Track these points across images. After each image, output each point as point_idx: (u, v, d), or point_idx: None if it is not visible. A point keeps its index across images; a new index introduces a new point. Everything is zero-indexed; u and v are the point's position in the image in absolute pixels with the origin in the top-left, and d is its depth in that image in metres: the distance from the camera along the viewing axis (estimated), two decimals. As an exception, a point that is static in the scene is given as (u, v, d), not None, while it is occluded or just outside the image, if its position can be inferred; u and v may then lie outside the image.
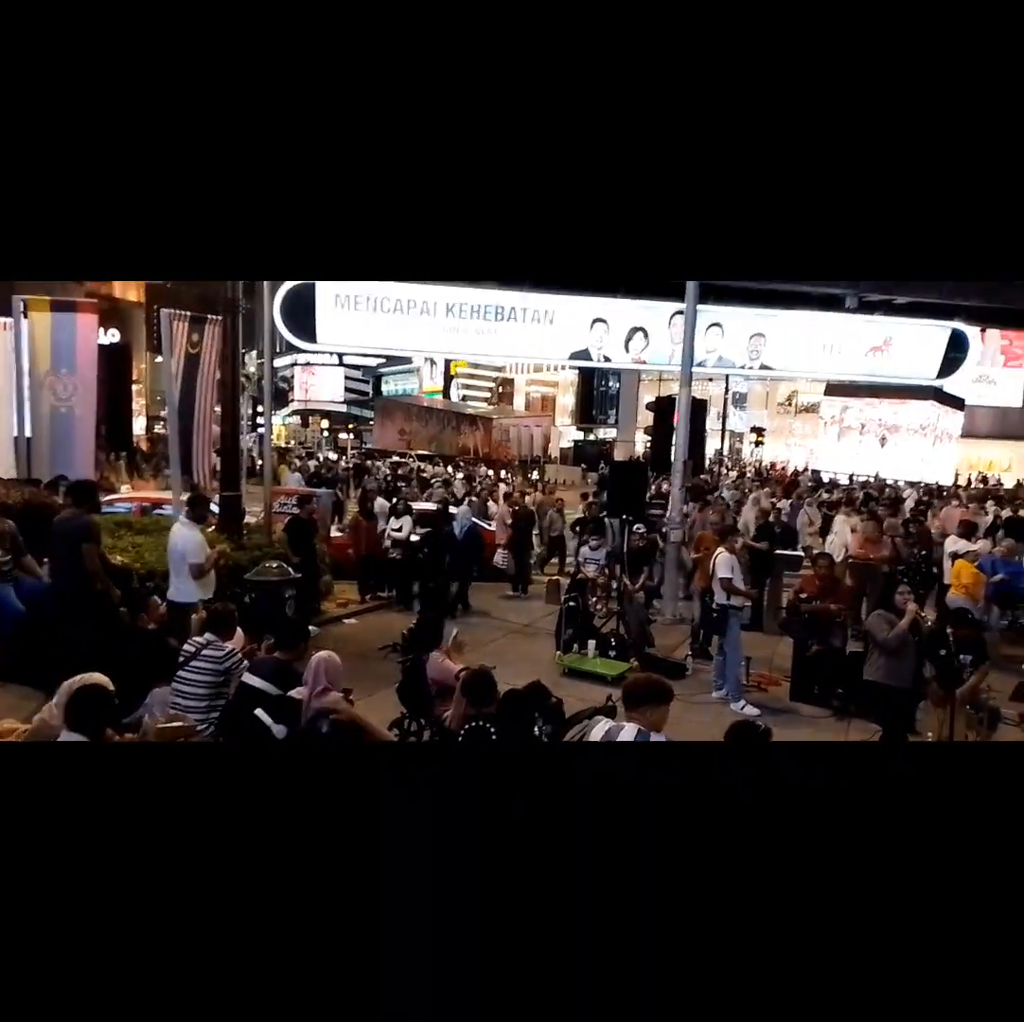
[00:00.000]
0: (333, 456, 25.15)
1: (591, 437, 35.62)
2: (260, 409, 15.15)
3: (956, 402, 27.05)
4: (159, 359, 10.80)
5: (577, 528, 10.04)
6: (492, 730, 3.48)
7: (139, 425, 22.60)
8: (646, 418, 22.81)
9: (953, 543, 8.51)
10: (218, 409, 7.81)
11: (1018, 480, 25.91)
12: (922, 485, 20.87)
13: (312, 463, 19.22)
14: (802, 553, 9.39)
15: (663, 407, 10.45)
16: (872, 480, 21.09)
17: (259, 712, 3.73)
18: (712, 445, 28.78)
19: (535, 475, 23.75)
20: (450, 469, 21.26)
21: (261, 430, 11.12)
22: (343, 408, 37.68)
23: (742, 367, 19.61)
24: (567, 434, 35.91)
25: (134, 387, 23.69)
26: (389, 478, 16.33)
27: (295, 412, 37.14)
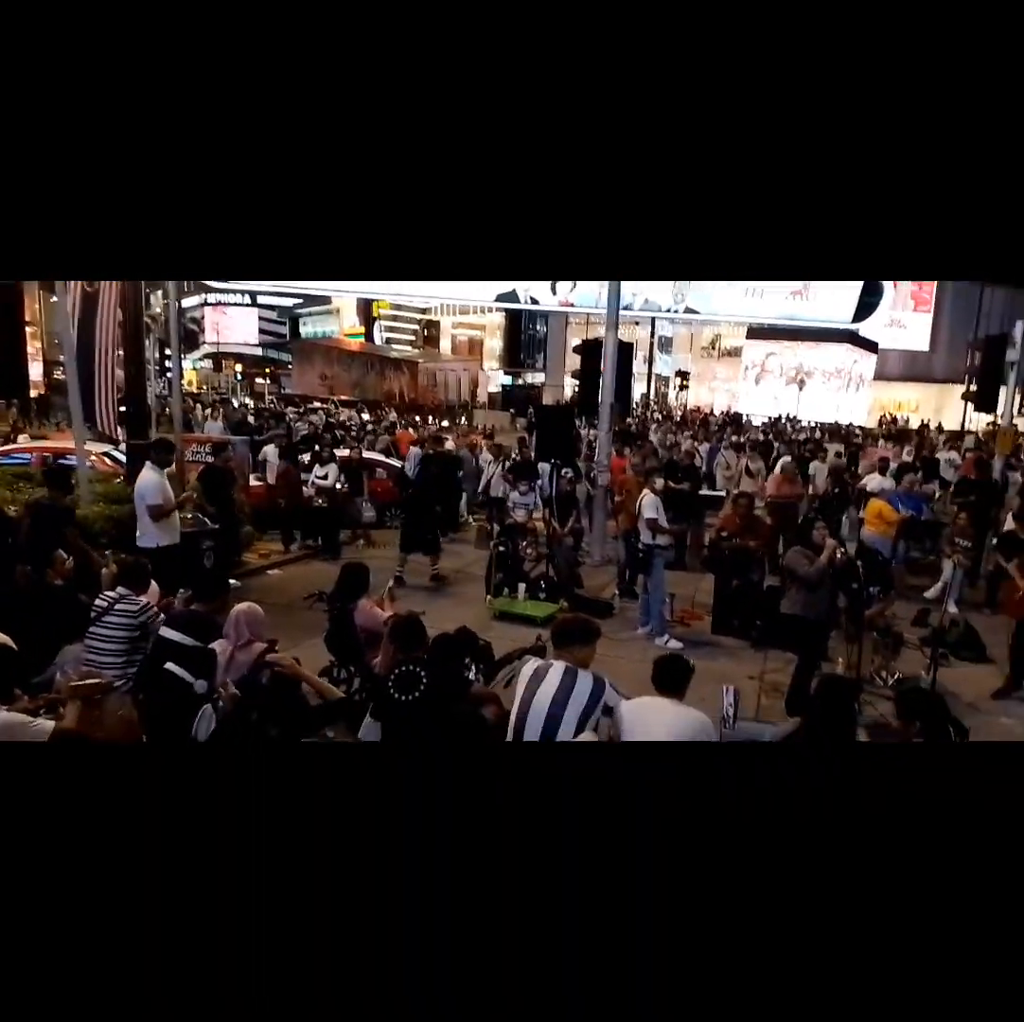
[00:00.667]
0: (249, 402, 24.12)
1: (520, 382, 35.39)
2: (168, 352, 14.27)
3: (870, 346, 28.07)
4: (54, 298, 9.99)
5: (510, 474, 10.03)
6: (422, 674, 3.46)
7: (36, 371, 21.11)
8: (574, 362, 22.80)
9: (871, 481, 8.91)
10: (121, 353, 7.31)
11: (923, 420, 27.30)
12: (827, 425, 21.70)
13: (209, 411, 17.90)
14: (723, 493, 9.67)
15: (590, 349, 10.41)
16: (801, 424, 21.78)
17: (170, 666, 3.60)
18: (639, 389, 29.10)
19: (463, 421, 23.49)
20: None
21: (170, 375, 10.49)
22: (258, 351, 36.07)
23: (668, 310, 19.78)
24: (495, 378, 35.56)
25: (28, 330, 22.06)
26: (315, 427, 15.63)
27: (206, 356, 35.33)
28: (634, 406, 21.76)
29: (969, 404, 18.35)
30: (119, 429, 7.47)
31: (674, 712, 3.21)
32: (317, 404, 23.57)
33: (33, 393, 20.73)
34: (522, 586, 7.42)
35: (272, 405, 23.03)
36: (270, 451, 9.29)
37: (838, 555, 5.11)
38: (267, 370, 33.43)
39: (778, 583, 6.23)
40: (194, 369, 31.46)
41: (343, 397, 26.64)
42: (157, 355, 16.50)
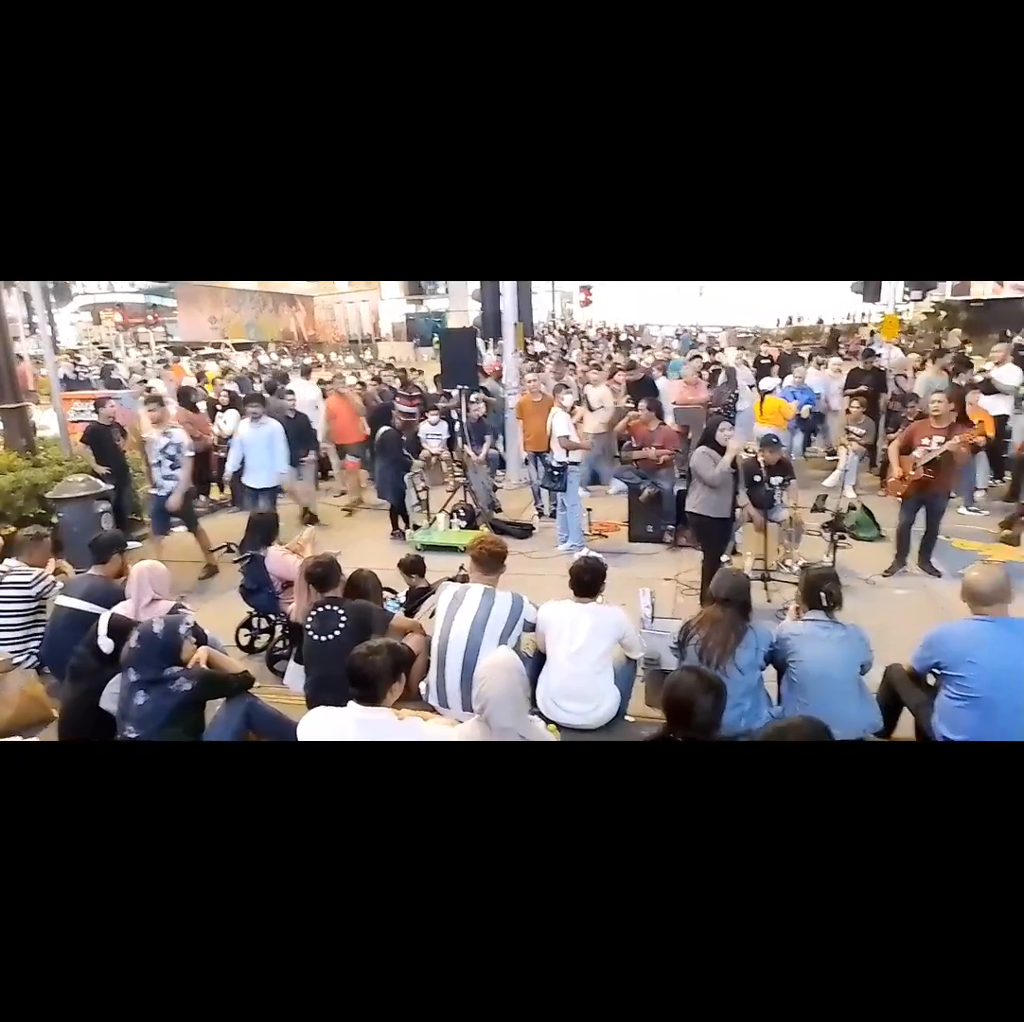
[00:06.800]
0: (137, 355, 22.51)
1: (423, 309, 34.30)
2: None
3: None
4: None
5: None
6: (340, 612, 3.42)
7: None
8: (478, 284, 22.19)
9: (764, 382, 9.20)
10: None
11: (819, 318, 28.22)
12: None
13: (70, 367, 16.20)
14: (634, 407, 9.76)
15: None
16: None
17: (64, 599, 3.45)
18: (544, 306, 28.76)
19: (367, 355, 22.74)
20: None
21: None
22: (140, 298, 33.55)
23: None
24: (398, 308, 34.33)
25: None
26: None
27: (83, 308, 32.65)
28: (538, 328, 21.50)
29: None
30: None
31: (592, 612, 3.33)
32: (209, 349, 22.30)
33: None
34: (442, 516, 7.41)
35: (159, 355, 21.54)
36: None
37: (743, 455, 5.28)
38: (149, 317, 31.15)
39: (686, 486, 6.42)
40: (72, 324, 28.94)
41: (237, 340, 25.27)
42: (25, 311, 15.10)
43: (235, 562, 4.89)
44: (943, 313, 22.89)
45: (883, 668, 3.29)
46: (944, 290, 18.61)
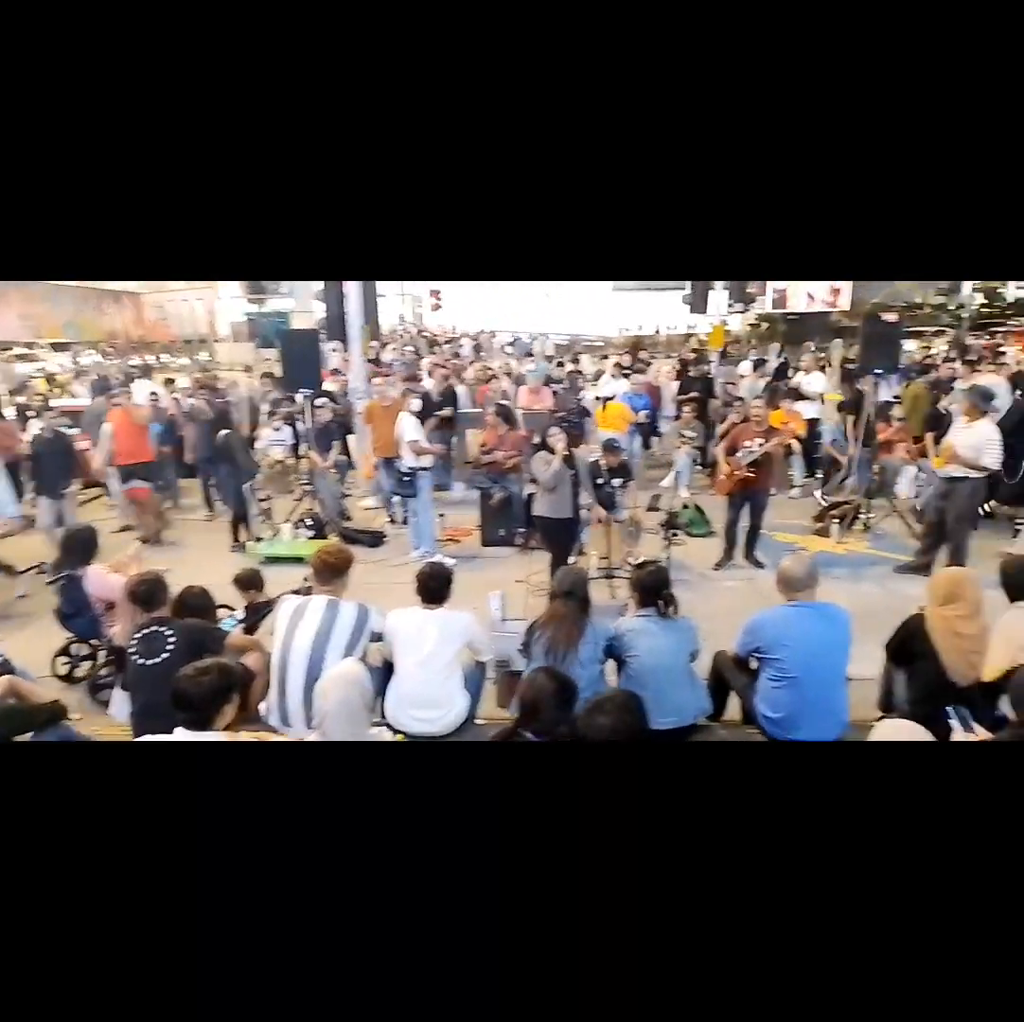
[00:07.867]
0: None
1: (266, 309, 32.74)
2: None
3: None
4: None
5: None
6: (168, 633, 3.18)
7: None
8: (322, 284, 21.50)
9: (604, 387, 9.63)
10: None
11: (657, 327, 29.91)
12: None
13: None
14: (483, 411, 9.88)
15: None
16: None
17: None
18: (394, 310, 28.43)
19: (205, 356, 21.43)
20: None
21: None
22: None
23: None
24: (238, 308, 32.55)
25: None
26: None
27: None
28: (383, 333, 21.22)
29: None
30: None
31: (439, 618, 3.32)
32: (21, 350, 20.06)
33: None
34: (286, 525, 7.11)
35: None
36: None
37: (594, 459, 5.50)
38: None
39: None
40: None
41: (54, 340, 22.93)
42: None
43: (49, 583, 4.42)
44: (764, 324, 25.00)
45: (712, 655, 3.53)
46: (765, 303, 20.35)
